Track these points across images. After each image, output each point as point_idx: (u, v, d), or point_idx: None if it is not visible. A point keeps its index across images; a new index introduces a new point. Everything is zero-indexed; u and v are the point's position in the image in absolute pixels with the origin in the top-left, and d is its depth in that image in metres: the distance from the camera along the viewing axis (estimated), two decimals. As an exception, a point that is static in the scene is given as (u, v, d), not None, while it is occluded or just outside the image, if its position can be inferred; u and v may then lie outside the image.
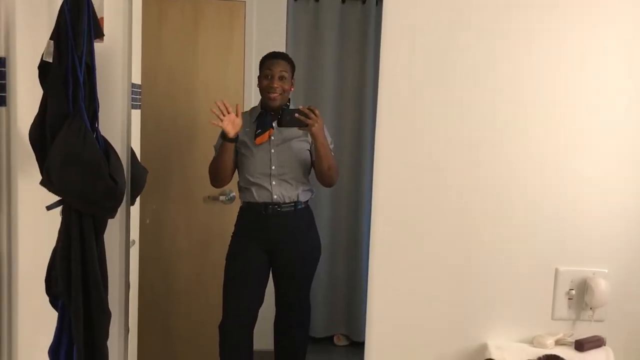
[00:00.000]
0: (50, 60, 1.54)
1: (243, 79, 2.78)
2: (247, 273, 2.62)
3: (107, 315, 1.63)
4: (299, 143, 2.59)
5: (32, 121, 1.58)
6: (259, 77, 2.60)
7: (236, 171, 2.62)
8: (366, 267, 3.36)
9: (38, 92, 1.57)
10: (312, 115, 2.41)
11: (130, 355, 1.86)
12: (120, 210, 1.67)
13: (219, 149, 2.53)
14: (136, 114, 1.90)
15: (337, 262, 3.40)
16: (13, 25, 1.66)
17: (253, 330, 2.64)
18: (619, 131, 1.71)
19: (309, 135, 2.53)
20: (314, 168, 2.60)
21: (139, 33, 1.88)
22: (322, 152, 2.49)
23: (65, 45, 1.52)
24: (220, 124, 2.44)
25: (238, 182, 2.64)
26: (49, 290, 1.64)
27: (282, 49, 3.04)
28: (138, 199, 1.93)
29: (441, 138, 1.71)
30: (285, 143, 2.57)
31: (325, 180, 2.60)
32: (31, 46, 1.64)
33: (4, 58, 1.66)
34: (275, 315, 2.75)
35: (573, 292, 1.73)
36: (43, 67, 1.56)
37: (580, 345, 1.67)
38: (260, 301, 2.64)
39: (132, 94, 1.75)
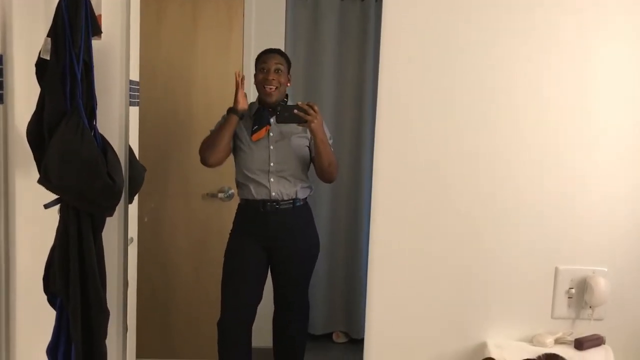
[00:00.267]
0: (48, 58, 1.53)
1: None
2: (246, 270, 2.61)
3: (105, 313, 1.63)
4: (298, 139, 2.58)
5: (29, 119, 1.57)
6: (255, 74, 2.59)
7: (234, 168, 2.62)
8: (365, 264, 3.36)
9: (35, 90, 1.56)
10: (312, 112, 2.39)
11: (129, 353, 1.85)
12: (119, 209, 1.67)
13: (223, 122, 2.51)
14: (134, 111, 1.89)
15: (336, 259, 3.40)
16: (10, 22, 1.65)
17: (252, 327, 2.64)
18: (619, 130, 1.71)
19: (308, 131, 2.52)
20: (314, 164, 2.59)
21: (137, 30, 1.87)
22: (321, 148, 2.48)
23: (62, 43, 1.51)
24: (238, 91, 2.46)
25: (236, 178, 2.63)
26: (47, 288, 1.64)
27: (281, 46, 3.03)
28: (136, 197, 1.92)
29: (441, 137, 1.70)
30: (284, 139, 2.56)
31: (325, 177, 2.59)
32: (28, 43, 1.63)
33: (1, 55, 1.65)
34: (274, 313, 2.75)
35: (573, 290, 1.73)
36: (40, 65, 1.55)
37: (580, 344, 1.67)
38: (258, 298, 2.64)
39: (130, 91, 1.74)
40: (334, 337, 3.49)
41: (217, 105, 2.48)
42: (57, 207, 1.60)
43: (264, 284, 2.67)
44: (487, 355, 1.67)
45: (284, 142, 2.56)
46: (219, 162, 2.55)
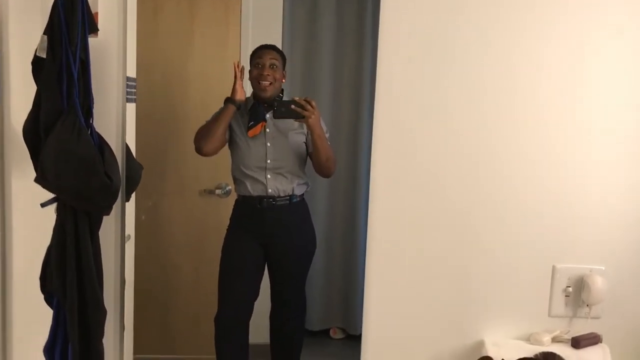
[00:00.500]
0: (44, 56, 1.52)
1: (240, 72, 2.75)
2: (243, 266, 2.61)
3: (102, 312, 1.63)
4: (295, 136, 2.57)
5: (25, 118, 1.56)
6: (250, 70, 2.58)
7: (230, 163, 2.61)
8: (362, 260, 3.37)
9: (31, 88, 1.55)
10: (309, 107, 2.38)
11: (126, 352, 1.85)
12: (116, 207, 1.66)
13: (220, 111, 2.51)
14: (131, 108, 1.88)
15: (333, 255, 3.41)
16: (6, 20, 1.64)
17: (249, 323, 2.64)
18: (617, 130, 1.71)
19: (304, 126, 2.51)
20: (312, 160, 2.58)
21: (134, 27, 1.86)
22: (319, 144, 2.47)
23: (59, 41, 1.50)
24: (236, 78, 2.46)
25: (232, 174, 2.62)
26: (44, 288, 1.63)
27: (278, 42, 3.02)
28: (133, 195, 1.91)
29: (439, 134, 1.70)
30: (281, 136, 2.55)
31: (324, 172, 2.59)
32: (24, 41, 1.62)
33: (-3, 53, 1.64)
34: (271, 309, 2.76)
35: (570, 289, 1.73)
36: (37, 63, 1.54)
37: (577, 343, 1.68)
38: (255, 294, 2.64)
39: (126, 88, 1.73)
40: (331, 333, 3.51)
41: (214, 101, 2.48)
42: (54, 205, 1.59)
43: (261, 280, 2.67)
44: (484, 354, 1.67)
45: (281, 139, 2.56)
46: (214, 152, 2.54)
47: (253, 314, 2.65)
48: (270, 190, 2.55)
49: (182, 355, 2.97)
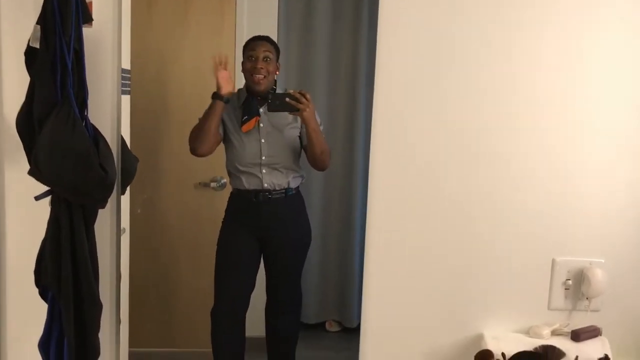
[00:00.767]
0: (37, 46, 1.49)
1: (234, 63, 2.73)
2: (238, 259, 2.60)
3: (98, 306, 1.61)
4: (290, 131, 2.54)
5: (19, 109, 1.53)
6: (242, 62, 2.54)
7: (226, 158, 2.59)
8: (358, 253, 3.40)
9: (25, 79, 1.52)
10: (304, 100, 2.34)
11: (122, 346, 1.84)
12: (111, 200, 1.64)
13: (207, 110, 2.46)
14: (126, 100, 1.86)
15: (329, 248, 3.41)
16: (-2, 9, 1.61)
17: (245, 315, 2.64)
18: (617, 123, 1.70)
19: (298, 120, 2.48)
20: (306, 153, 2.56)
21: (129, 17, 1.84)
22: (314, 137, 2.44)
23: (52, 30, 1.47)
24: (217, 74, 2.40)
25: (227, 168, 2.60)
26: (39, 282, 1.62)
27: (274, 33, 3.00)
28: (128, 189, 1.89)
29: (439, 126, 1.69)
30: (276, 131, 2.53)
31: (318, 165, 2.56)
32: (17, 31, 1.59)
33: (-11, 43, 1.61)
34: (266, 302, 2.75)
35: (570, 282, 1.73)
36: (30, 53, 1.52)
37: (577, 336, 1.67)
38: (251, 287, 2.63)
39: (121, 79, 1.71)
40: (327, 326, 3.51)
41: (210, 93, 2.45)
42: (48, 199, 1.57)
43: (257, 273, 2.66)
44: (483, 347, 1.66)
45: (275, 135, 2.53)
46: (210, 152, 2.52)
47: (249, 308, 2.64)
48: (266, 185, 2.53)
49: (178, 349, 2.97)
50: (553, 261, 1.73)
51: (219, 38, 2.88)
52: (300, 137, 2.56)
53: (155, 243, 2.92)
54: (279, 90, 2.56)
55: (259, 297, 2.71)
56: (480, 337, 1.73)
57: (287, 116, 2.49)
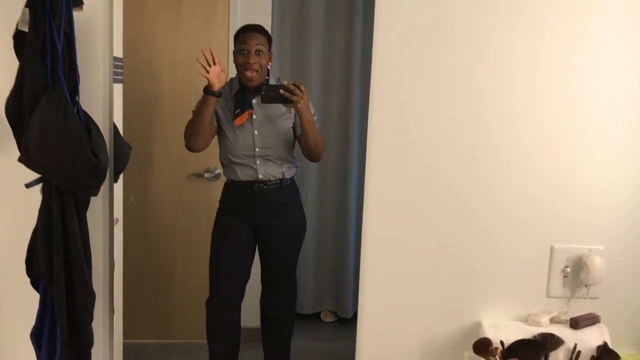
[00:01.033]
0: (26, 30, 1.46)
1: (227, 52, 2.70)
2: (233, 250, 2.58)
3: (91, 296, 1.59)
4: (283, 122, 2.51)
5: (7, 95, 1.50)
6: (234, 52, 2.49)
7: (220, 150, 2.56)
8: (353, 244, 3.38)
9: (14, 64, 1.49)
10: (298, 91, 2.31)
11: (116, 336, 1.82)
12: (103, 188, 1.62)
13: (200, 105, 2.42)
14: (118, 89, 1.83)
15: (324, 238, 3.40)
16: (-15, -8, 1.57)
17: (240, 306, 2.62)
18: (616, 111, 1.68)
19: (292, 111, 2.45)
20: (300, 144, 2.53)
21: (120, 4, 1.80)
22: (308, 129, 2.42)
23: (42, 13, 1.44)
24: (206, 74, 2.35)
25: (220, 159, 2.58)
26: (30, 271, 1.60)
27: (267, 21, 2.97)
28: (121, 177, 1.86)
29: (436, 117, 1.67)
30: (269, 123, 2.49)
31: (312, 156, 2.53)
32: (5, 14, 1.56)
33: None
34: (261, 293, 2.74)
35: (568, 269, 1.71)
36: (18, 37, 1.48)
37: (575, 323, 1.66)
38: (246, 277, 2.61)
39: (114, 67, 1.68)
40: (322, 316, 3.51)
41: (203, 82, 2.41)
42: (39, 186, 1.55)
43: (252, 263, 2.64)
44: (482, 335, 1.65)
45: (269, 126, 2.50)
46: (206, 146, 2.49)
47: (244, 298, 2.62)
48: (260, 176, 2.50)
49: (173, 340, 2.95)
50: (552, 248, 1.71)
51: (212, 27, 2.85)
52: (294, 127, 2.53)
53: (149, 234, 2.89)
54: (272, 80, 2.52)
55: (254, 288, 2.70)
56: (478, 326, 1.71)
57: (280, 107, 2.46)
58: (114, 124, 1.71)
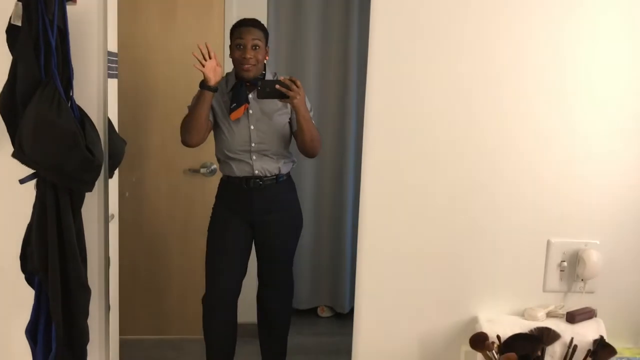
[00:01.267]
0: (19, 24, 1.45)
1: (223, 46, 2.69)
2: (230, 246, 2.57)
3: (86, 292, 1.59)
4: (279, 117, 2.50)
5: (1, 89, 1.49)
6: (230, 47, 2.48)
7: (215, 145, 2.55)
8: (350, 239, 3.38)
9: (7, 58, 1.48)
10: (294, 87, 2.30)
11: (112, 332, 1.81)
12: (98, 183, 1.61)
13: (196, 99, 2.41)
14: (112, 83, 1.82)
15: (321, 233, 3.39)
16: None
17: (237, 302, 2.61)
18: (612, 106, 1.68)
19: (288, 106, 2.45)
20: (296, 140, 2.53)
21: (115, -2, 1.79)
22: (304, 124, 2.41)
23: (35, 7, 1.43)
24: (202, 68, 2.34)
25: (216, 154, 2.57)
26: (25, 267, 1.59)
27: (263, 14, 2.95)
28: (116, 173, 1.85)
29: (432, 114, 1.66)
30: (265, 118, 2.49)
31: (308, 152, 2.53)
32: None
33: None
34: (258, 288, 2.73)
35: (565, 264, 1.71)
36: (11, 31, 1.47)
37: (572, 317, 1.66)
38: (243, 273, 2.61)
39: (108, 62, 1.66)
40: (319, 311, 3.51)
41: (199, 77, 2.40)
42: (33, 182, 1.54)
43: (248, 259, 2.64)
44: (478, 330, 1.65)
45: (265, 121, 2.49)
46: (202, 141, 2.48)
47: (240, 294, 2.62)
48: (256, 171, 2.50)
49: (169, 336, 2.95)
50: (548, 243, 1.71)
51: (208, 21, 2.83)
52: (290, 123, 2.52)
53: (145, 230, 2.88)
54: (268, 75, 2.52)
55: (250, 283, 2.69)
56: (474, 320, 1.71)
57: (276, 102, 2.45)
58: (109, 119, 1.70)
